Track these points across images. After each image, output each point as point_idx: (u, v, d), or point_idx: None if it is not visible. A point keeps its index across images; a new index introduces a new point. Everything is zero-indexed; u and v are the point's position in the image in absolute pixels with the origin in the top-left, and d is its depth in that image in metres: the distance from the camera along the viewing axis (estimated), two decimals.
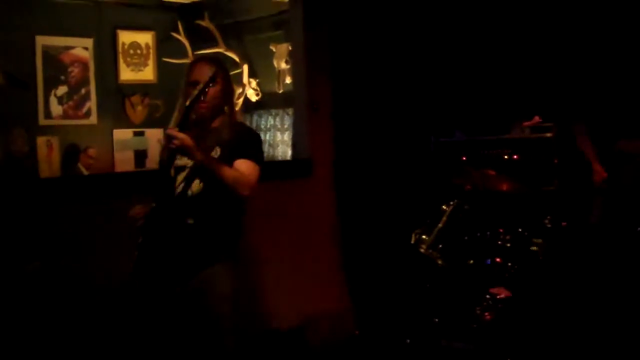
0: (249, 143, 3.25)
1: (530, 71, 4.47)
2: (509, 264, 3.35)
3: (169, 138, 2.99)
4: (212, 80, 3.03)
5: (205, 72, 3.07)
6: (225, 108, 3.21)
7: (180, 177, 3.17)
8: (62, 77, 6.50)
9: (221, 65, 3.23)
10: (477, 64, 4.65)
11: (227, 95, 3.22)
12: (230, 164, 3.07)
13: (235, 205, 3.20)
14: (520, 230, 3.48)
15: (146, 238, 3.10)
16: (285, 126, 6.31)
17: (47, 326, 3.61)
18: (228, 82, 3.24)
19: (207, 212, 3.13)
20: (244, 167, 3.11)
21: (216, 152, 3.12)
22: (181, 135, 2.98)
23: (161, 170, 3.23)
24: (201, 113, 3.15)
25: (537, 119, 4.39)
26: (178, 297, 3.11)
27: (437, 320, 3.50)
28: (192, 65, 3.18)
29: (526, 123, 4.37)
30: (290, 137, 6.01)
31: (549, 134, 4.25)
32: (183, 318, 3.11)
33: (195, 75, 3.08)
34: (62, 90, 6.49)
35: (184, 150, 3.03)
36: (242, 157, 3.13)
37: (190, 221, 3.11)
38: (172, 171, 3.18)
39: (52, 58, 6.46)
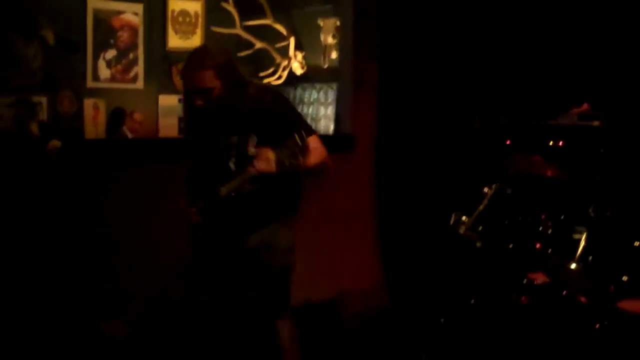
0: (292, 115, 3.22)
1: (581, 57, 4.39)
2: (549, 250, 3.32)
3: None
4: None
5: (195, 82, 3.04)
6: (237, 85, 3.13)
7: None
8: (112, 41, 6.56)
9: (216, 60, 3.09)
10: (526, 48, 4.57)
11: (231, 81, 3.10)
12: (271, 138, 3.00)
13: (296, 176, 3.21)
14: (562, 217, 3.44)
15: (205, 206, 3.14)
16: (329, 100, 6.31)
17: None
18: (227, 69, 3.11)
19: (265, 187, 3.14)
20: (316, 144, 3.10)
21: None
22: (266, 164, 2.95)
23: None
24: (216, 105, 3.09)
25: (586, 106, 4.31)
26: (240, 254, 3.17)
27: (472, 301, 3.49)
28: (192, 72, 3.07)
29: (575, 110, 4.30)
30: (334, 111, 6.01)
31: (596, 122, 4.17)
32: (245, 274, 3.17)
33: (186, 85, 3.09)
34: (110, 54, 6.56)
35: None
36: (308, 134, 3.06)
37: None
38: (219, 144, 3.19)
39: (103, 22, 6.52)
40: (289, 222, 3.24)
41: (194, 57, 3.17)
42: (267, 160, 2.94)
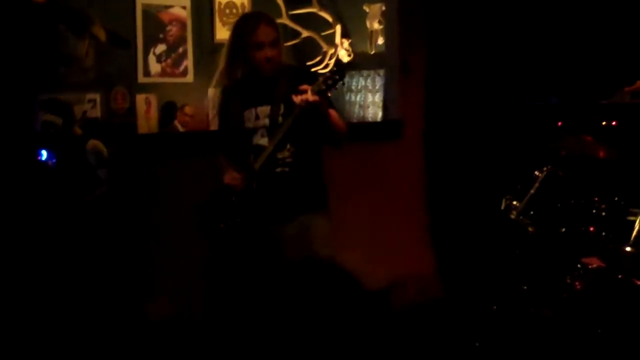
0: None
1: (632, 33, 4.28)
2: (603, 233, 3.26)
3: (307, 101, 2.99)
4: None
5: (270, 34, 3.12)
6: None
7: (262, 140, 3.17)
8: (161, 36, 6.66)
9: (276, 24, 3.24)
10: (576, 26, 4.48)
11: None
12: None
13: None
14: (616, 199, 3.37)
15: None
16: (377, 87, 6.29)
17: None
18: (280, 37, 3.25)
19: (298, 169, 3.17)
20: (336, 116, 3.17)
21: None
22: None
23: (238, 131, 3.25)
24: (271, 76, 3.15)
25: (639, 83, 4.22)
26: (277, 243, 3.17)
27: (525, 287, 3.46)
28: (254, 25, 3.13)
29: (628, 88, 4.20)
30: (381, 98, 5.99)
31: None
32: (285, 264, 3.16)
33: (261, 37, 3.10)
34: (160, 48, 6.66)
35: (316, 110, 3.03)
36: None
37: (279, 170, 3.14)
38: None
39: (152, 17, 6.62)
40: (324, 214, 3.22)
41: (258, 14, 3.29)
42: (305, 92, 2.97)
